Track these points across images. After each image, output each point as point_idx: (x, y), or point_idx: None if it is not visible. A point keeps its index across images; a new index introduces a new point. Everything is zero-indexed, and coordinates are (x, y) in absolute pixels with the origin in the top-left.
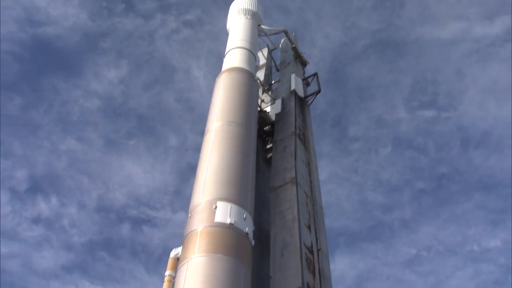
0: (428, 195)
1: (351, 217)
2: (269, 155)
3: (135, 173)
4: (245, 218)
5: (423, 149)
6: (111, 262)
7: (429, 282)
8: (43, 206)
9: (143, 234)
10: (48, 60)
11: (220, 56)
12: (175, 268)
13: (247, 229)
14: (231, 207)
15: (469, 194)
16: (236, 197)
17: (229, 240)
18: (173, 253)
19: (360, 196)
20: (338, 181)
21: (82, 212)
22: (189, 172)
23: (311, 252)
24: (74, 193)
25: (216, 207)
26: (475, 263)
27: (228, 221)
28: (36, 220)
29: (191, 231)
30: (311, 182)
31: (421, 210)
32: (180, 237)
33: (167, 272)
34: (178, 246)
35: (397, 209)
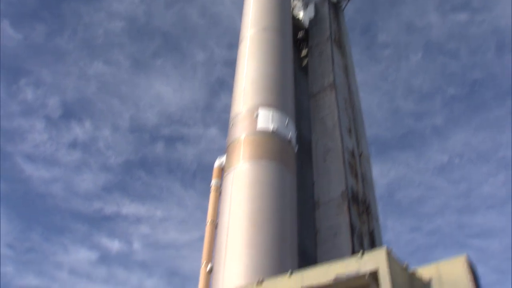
0: (460, 101)
1: (381, 125)
2: (304, 62)
3: (165, 92)
4: (287, 124)
5: (455, 54)
6: (148, 180)
7: (461, 189)
8: (78, 131)
9: (177, 151)
10: None
11: None
12: (221, 176)
13: (290, 134)
14: (272, 114)
15: (503, 99)
16: (277, 103)
17: (272, 147)
18: (217, 163)
19: (390, 104)
20: (368, 90)
21: (116, 134)
22: (218, 86)
23: (353, 156)
24: (107, 116)
25: (257, 115)
26: (507, 169)
27: (271, 127)
28: (73, 145)
29: (234, 140)
30: (349, 86)
31: (453, 116)
32: (213, 152)
33: (213, 181)
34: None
35: (429, 116)
